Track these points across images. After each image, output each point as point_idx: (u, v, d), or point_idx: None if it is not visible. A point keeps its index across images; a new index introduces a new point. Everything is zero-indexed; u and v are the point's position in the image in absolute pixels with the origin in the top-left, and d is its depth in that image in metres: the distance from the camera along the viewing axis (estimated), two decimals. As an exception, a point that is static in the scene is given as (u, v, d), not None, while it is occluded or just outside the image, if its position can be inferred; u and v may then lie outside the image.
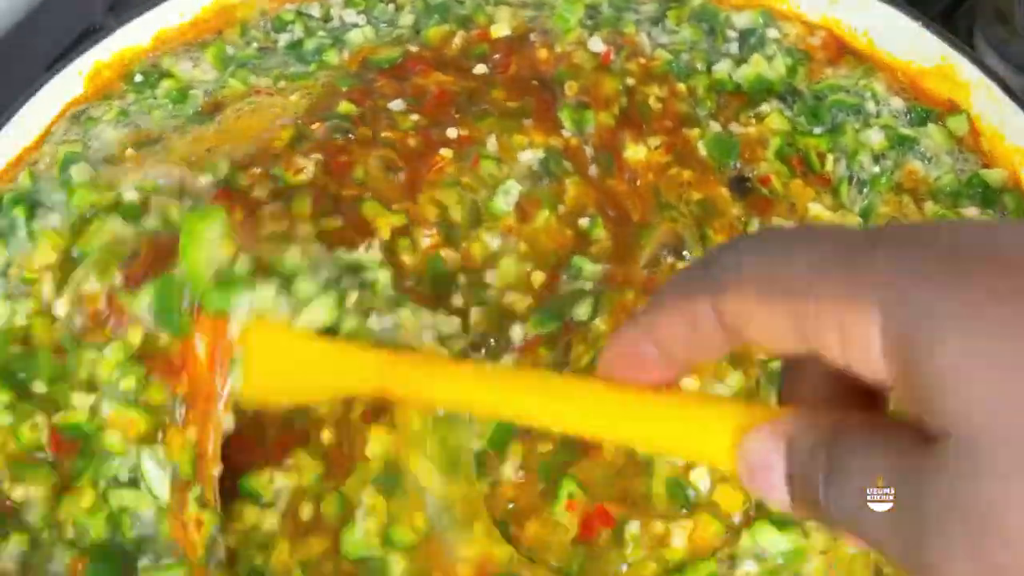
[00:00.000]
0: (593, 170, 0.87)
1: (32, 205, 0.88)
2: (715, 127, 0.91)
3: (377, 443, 0.73)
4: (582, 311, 0.79)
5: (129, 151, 0.92)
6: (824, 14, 1.00)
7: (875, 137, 0.90)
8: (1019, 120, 0.89)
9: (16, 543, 0.73)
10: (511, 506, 0.73)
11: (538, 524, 0.71)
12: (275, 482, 0.74)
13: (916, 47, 0.95)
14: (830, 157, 0.89)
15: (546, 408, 0.47)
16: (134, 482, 0.73)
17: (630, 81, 0.94)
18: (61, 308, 0.77)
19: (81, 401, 0.75)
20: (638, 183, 0.87)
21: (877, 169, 0.89)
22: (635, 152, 0.88)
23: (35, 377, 0.78)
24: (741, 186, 0.87)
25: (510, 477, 0.73)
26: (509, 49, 0.97)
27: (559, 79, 0.94)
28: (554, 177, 0.87)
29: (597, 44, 0.97)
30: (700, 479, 0.71)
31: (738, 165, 0.88)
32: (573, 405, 0.46)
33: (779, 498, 0.38)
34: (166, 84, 0.98)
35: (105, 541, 0.72)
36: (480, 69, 0.96)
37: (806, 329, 0.36)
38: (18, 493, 0.75)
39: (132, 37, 1.00)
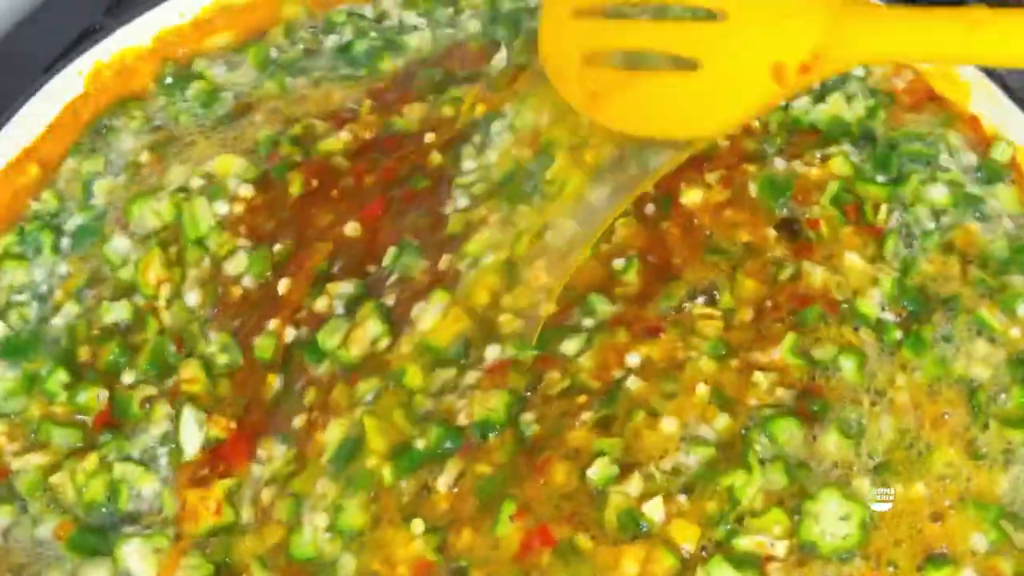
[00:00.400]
0: (650, 208, 0.86)
1: (57, 228, 0.91)
2: (779, 164, 0.88)
3: (337, 429, 0.75)
4: (571, 346, 0.78)
5: (145, 155, 0.94)
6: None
7: (938, 192, 0.87)
8: (1019, 120, 0.89)
9: (3, 513, 0.77)
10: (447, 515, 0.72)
11: (475, 535, 0.71)
12: (252, 472, 0.76)
13: (916, 47, 0.95)
14: (884, 207, 0.86)
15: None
16: (143, 462, 0.77)
17: None
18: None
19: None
20: (694, 221, 0.85)
21: (932, 225, 0.86)
22: (692, 197, 0.86)
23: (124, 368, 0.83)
24: (790, 228, 0.85)
25: (444, 490, 0.73)
26: None
27: None
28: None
29: None
30: (654, 511, 0.70)
31: (788, 207, 0.86)
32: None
33: None
34: (196, 86, 0.99)
35: (97, 507, 0.76)
36: None
37: None
38: (17, 463, 0.78)
39: (132, 37, 1.00)
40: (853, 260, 0.83)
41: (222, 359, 0.81)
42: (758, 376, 0.76)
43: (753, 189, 0.87)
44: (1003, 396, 0.76)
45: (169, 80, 1.00)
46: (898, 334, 0.79)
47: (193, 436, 0.77)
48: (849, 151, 0.90)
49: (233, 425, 0.78)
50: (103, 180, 0.93)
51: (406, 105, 0.95)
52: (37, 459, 0.78)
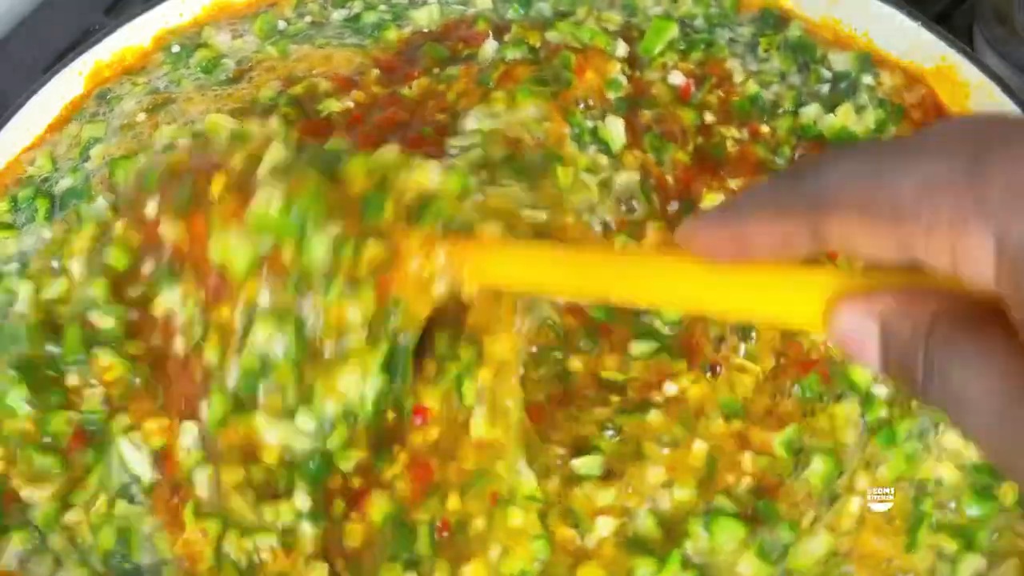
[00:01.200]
0: (675, 206, 0.86)
1: (49, 194, 0.90)
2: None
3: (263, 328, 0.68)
4: (638, 348, 0.78)
5: (141, 115, 0.94)
6: (824, 14, 1.00)
7: None
8: (1019, 120, 0.89)
9: (18, 541, 0.73)
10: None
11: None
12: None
13: (916, 47, 0.95)
14: None
15: (645, 288, 0.51)
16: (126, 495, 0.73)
17: (708, 117, 0.92)
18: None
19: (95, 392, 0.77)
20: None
21: None
22: (713, 200, 0.85)
23: (67, 367, 0.78)
24: None
25: None
26: (586, 60, 0.93)
27: (634, 104, 0.92)
28: (639, 209, 0.85)
29: (678, 77, 0.94)
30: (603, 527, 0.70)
31: None
32: (668, 282, 0.50)
33: (873, 366, 0.40)
34: (200, 54, 0.99)
35: (113, 555, 0.72)
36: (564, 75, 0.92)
37: (913, 247, 0.37)
38: (25, 491, 0.74)
39: (132, 37, 1.00)
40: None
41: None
42: (746, 458, 0.74)
43: None
44: (953, 504, 0.73)
45: (176, 48, 1.00)
46: (884, 412, 0.76)
47: (139, 460, 0.74)
48: None
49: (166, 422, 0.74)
50: (101, 145, 0.92)
51: (413, 80, 0.95)
52: (45, 492, 0.74)
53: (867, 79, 0.95)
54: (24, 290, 0.82)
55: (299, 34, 1.02)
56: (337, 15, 1.04)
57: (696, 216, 0.47)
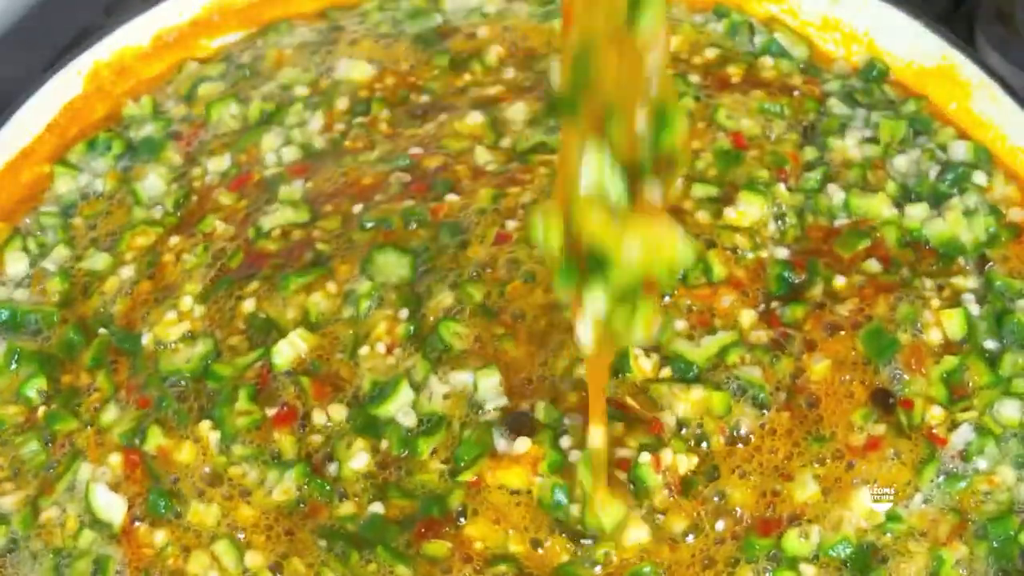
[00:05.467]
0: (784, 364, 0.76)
1: (128, 141, 0.90)
2: (923, 284, 0.79)
3: None
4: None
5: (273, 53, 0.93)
6: (825, 14, 1.00)
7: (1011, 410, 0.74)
8: (1020, 119, 0.89)
9: None
10: None
11: None
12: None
13: (917, 47, 0.95)
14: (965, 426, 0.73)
15: None
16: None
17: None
18: None
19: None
20: (817, 401, 0.75)
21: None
22: (818, 372, 0.75)
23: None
24: (884, 401, 0.74)
25: None
26: None
27: None
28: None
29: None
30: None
31: (897, 371, 0.75)
32: None
33: None
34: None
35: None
36: None
37: None
38: (5, 501, 0.73)
39: (132, 37, 1.00)
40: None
41: None
42: None
43: (859, 343, 0.77)
44: None
45: None
46: None
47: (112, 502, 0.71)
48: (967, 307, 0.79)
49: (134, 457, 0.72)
50: (209, 84, 0.93)
51: None
52: (20, 495, 0.73)
53: (979, 177, 0.87)
54: (58, 254, 0.83)
55: None
56: None
57: None
